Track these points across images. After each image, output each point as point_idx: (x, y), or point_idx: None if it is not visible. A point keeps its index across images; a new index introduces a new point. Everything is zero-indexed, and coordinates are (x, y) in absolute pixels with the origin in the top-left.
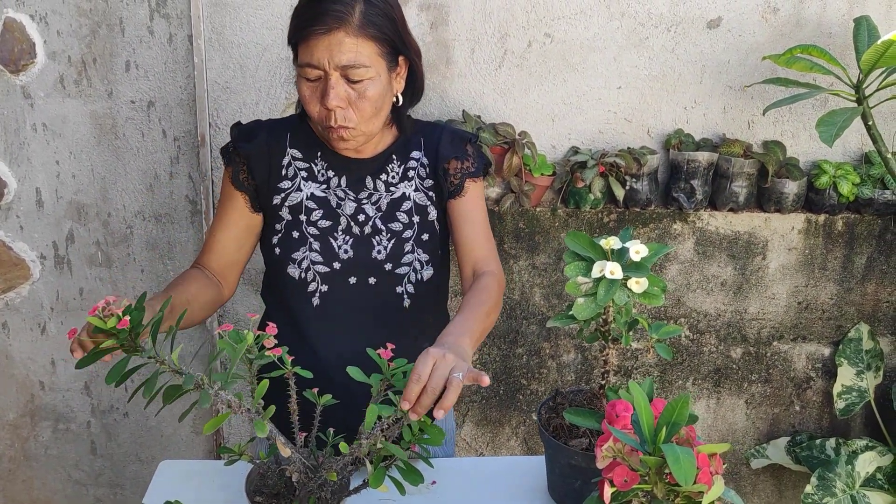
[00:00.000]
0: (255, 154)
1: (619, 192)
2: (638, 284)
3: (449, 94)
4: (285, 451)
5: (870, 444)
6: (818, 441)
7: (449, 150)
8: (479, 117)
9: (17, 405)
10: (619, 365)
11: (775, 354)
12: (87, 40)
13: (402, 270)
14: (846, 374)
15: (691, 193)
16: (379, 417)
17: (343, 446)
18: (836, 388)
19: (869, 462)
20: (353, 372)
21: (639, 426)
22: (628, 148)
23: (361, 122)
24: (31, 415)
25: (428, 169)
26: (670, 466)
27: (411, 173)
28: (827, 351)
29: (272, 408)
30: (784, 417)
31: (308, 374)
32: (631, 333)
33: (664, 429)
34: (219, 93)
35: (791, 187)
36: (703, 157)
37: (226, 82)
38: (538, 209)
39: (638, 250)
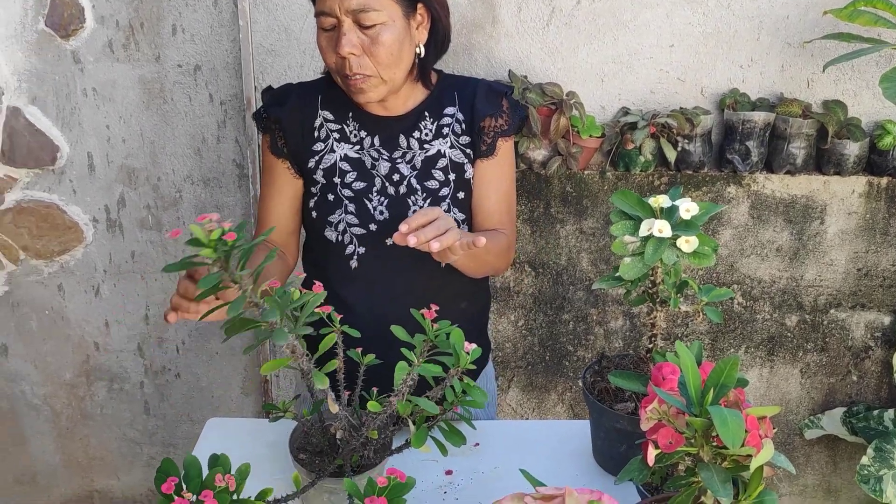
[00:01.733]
0: (288, 118)
1: (671, 154)
2: (688, 243)
3: (495, 55)
4: (334, 406)
5: None
6: (875, 412)
7: (485, 106)
8: (525, 77)
9: (73, 365)
10: (668, 331)
11: (832, 323)
12: (135, 4)
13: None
14: None
15: (746, 155)
16: (421, 378)
17: (373, 404)
18: None
19: None
20: (398, 331)
21: (685, 388)
22: (680, 108)
23: (380, 70)
24: (87, 374)
25: (464, 125)
26: (717, 428)
27: (446, 130)
28: (887, 319)
29: (333, 362)
30: (840, 388)
31: (356, 334)
32: (680, 296)
33: (711, 391)
34: (264, 56)
35: (852, 148)
36: (759, 117)
37: (271, 45)
38: (586, 172)
39: (688, 208)
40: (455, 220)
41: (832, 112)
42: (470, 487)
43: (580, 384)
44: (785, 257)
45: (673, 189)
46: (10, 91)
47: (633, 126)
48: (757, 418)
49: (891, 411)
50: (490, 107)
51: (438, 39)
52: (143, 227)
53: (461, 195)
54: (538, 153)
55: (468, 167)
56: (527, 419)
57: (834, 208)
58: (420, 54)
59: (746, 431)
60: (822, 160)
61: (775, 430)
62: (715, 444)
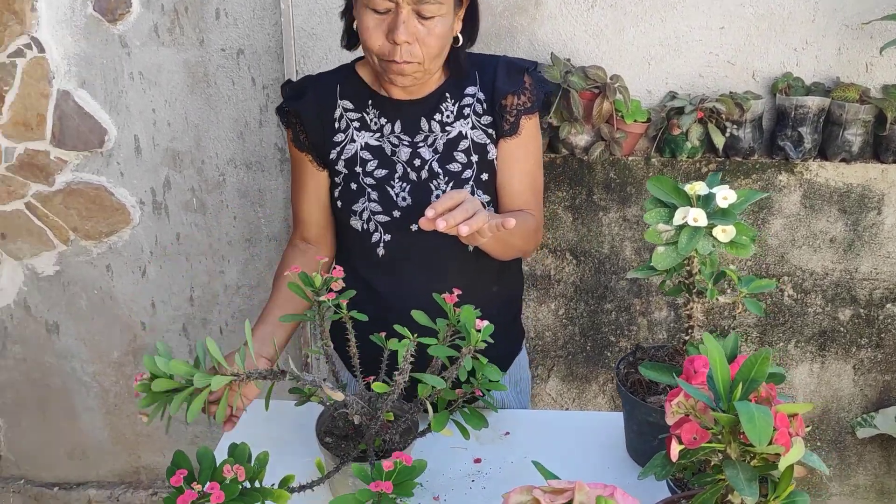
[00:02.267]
0: (307, 111)
1: (719, 140)
2: (724, 233)
3: (538, 37)
4: (337, 395)
5: None
6: None
7: (506, 83)
8: (568, 60)
9: (120, 344)
10: (714, 323)
11: (889, 318)
12: None
13: None
14: None
15: (799, 142)
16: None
17: (378, 385)
18: None
19: None
20: (418, 316)
21: (713, 381)
22: (730, 92)
23: (426, 60)
24: (134, 353)
25: (485, 105)
26: (743, 425)
27: (467, 111)
28: None
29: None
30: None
31: (363, 318)
32: (716, 287)
33: (740, 386)
34: (305, 40)
35: None
36: (813, 102)
37: (312, 29)
38: (630, 158)
39: (726, 196)
40: (480, 202)
41: (892, 97)
42: (498, 476)
43: (614, 375)
44: (839, 249)
45: (711, 176)
46: (61, 75)
47: (679, 111)
48: (788, 416)
49: None
50: (511, 84)
51: (474, 28)
52: (188, 210)
53: (485, 177)
54: (580, 138)
55: (491, 148)
56: (566, 409)
57: (892, 198)
58: (457, 43)
59: (775, 429)
60: (880, 147)
61: (826, 428)
62: (743, 441)
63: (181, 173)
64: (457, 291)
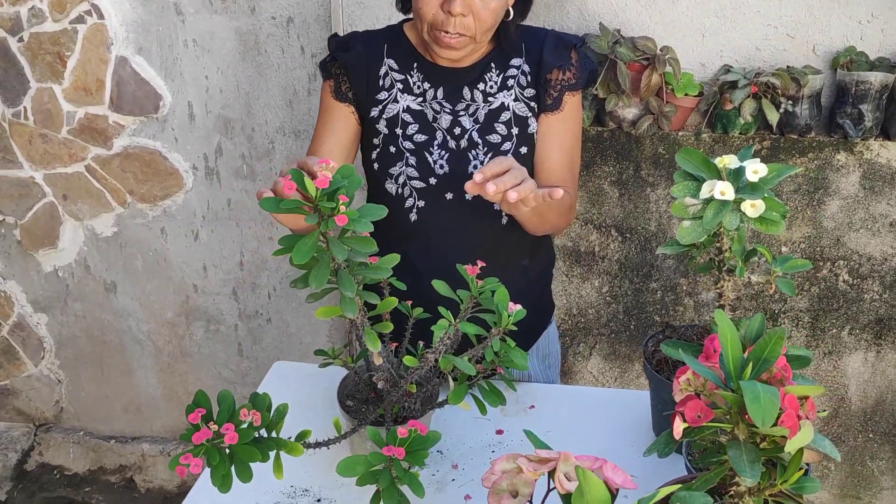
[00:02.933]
0: (353, 64)
1: (773, 117)
2: (753, 208)
3: (588, 7)
4: (378, 359)
5: None
6: None
7: (552, 57)
8: (618, 31)
9: (173, 305)
10: (764, 308)
11: None
12: None
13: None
14: None
15: (859, 119)
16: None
17: (409, 359)
18: None
19: None
20: (439, 286)
21: (724, 360)
22: (787, 67)
23: (478, 33)
24: (186, 315)
25: (529, 77)
26: (747, 404)
27: (510, 82)
28: None
29: (387, 323)
30: None
31: (402, 286)
32: (756, 266)
33: (751, 365)
34: (353, 8)
35: None
36: (876, 77)
37: None
38: (681, 133)
39: (756, 169)
40: None
41: None
42: (518, 448)
43: (641, 353)
44: None
45: (744, 149)
46: (119, 41)
47: (733, 85)
48: (798, 398)
49: None
50: (558, 58)
51: (528, 3)
52: (239, 177)
53: (524, 150)
54: (628, 111)
55: (532, 121)
56: (608, 388)
57: None
58: (508, 17)
59: (782, 410)
60: None
61: (879, 420)
62: (748, 421)
63: (232, 140)
64: (480, 263)
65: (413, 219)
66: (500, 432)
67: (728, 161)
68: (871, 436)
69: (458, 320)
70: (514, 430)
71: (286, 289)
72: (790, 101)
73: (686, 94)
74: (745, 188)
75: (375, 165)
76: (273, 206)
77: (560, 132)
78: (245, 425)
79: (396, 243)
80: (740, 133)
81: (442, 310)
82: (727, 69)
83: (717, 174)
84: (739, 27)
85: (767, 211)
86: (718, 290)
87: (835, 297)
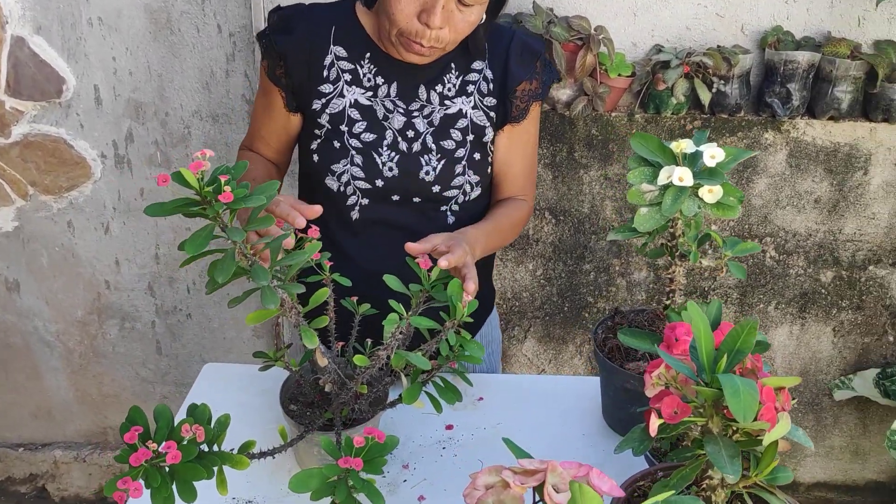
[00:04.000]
0: (294, 51)
1: (705, 96)
2: (711, 193)
3: None
4: (322, 360)
5: None
6: None
7: (520, 69)
8: (551, 10)
9: (84, 303)
10: (694, 285)
11: (870, 280)
12: None
13: (450, 193)
14: None
15: (787, 98)
16: (415, 330)
17: (360, 358)
18: None
19: None
20: (391, 281)
21: (696, 352)
22: (718, 46)
23: (451, 44)
24: (99, 313)
25: (492, 85)
26: (727, 399)
27: (470, 87)
28: None
29: (324, 318)
30: (875, 348)
31: (347, 283)
32: (700, 250)
33: (725, 357)
34: None
35: None
36: (803, 57)
37: None
38: (613, 114)
39: (713, 154)
40: (468, 182)
41: (884, 53)
42: (470, 444)
43: (591, 340)
44: (823, 209)
45: (698, 133)
46: (14, 20)
47: (665, 65)
48: (774, 389)
49: None
50: (525, 70)
51: (500, 6)
52: (152, 164)
53: (477, 156)
54: (562, 92)
55: (489, 131)
56: (543, 371)
57: (879, 158)
58: (481, 21)
59: (760, 404)
60: (870, 106)
61: (803, 390)
62: (726, 415)
63: (144, 126)
64: (430, 254)
65: (355, 217)
66: (449, 427)
67: (684, 146)
68: (795, 405)
69: (409, 314)
70: (463, 424)
71: (206, 282)
72: (721, 81)
73: (619, 75)
74: (703, 173)
75: (315, 157)
76: (158, 209)
77: (522, 141)
78: (186, 441)
79: (335, 238)
80: (672, 113)
81: (392, 303)
82: (659, 49)
83: (674, 159)
84: (670, 6)
85: (724, 196)
86: (669, 276)
87: (762, 273)
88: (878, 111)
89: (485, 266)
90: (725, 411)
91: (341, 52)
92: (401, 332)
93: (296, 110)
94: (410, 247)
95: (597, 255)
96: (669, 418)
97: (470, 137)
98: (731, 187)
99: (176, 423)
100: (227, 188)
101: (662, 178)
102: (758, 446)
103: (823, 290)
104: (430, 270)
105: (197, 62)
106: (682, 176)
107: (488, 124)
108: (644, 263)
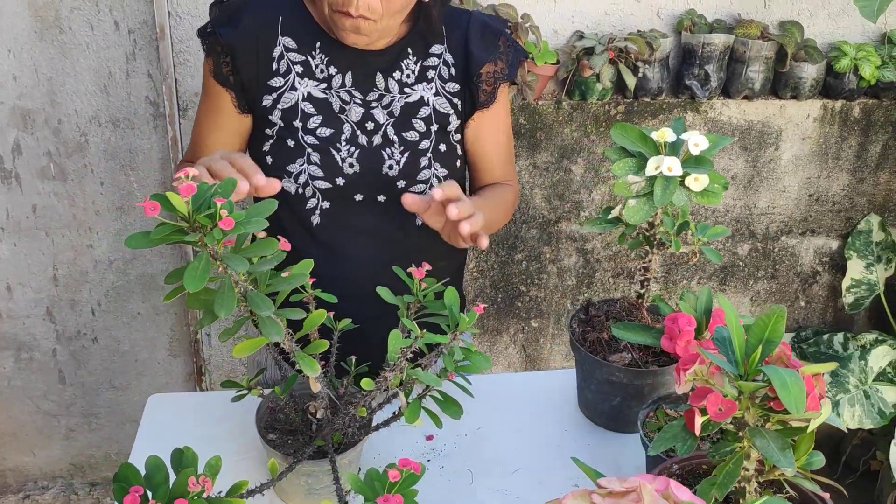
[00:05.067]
0: (241, 43)
1: (631, 81)
2: (697, 182)
3: None
4: (316, 386)
5: (879, 338)
6: (825, 336)
7: (482, 51)
8: None
9: None
10: (621, 267)
11: (783, 250)
12: None
13: (417, 188)
14: (855, 268)
15: (705, 80)
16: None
17: (367, 382)
18: (845, 282)
19: (882, 356)
20: (384, 293)
21: (727, 345)
22: (638, 31)
23: (385, 16)
24: None
25: (454, 70)
26: (778, 392)
27: (431, 73)
28: (835, 244)
29: (324, 342)
30: (788, 314)
31: (332, 299)
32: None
33: (759, 348)
34: None
35: (810, 71)
36: (719, 39)
37: None
38: (540, 103)
39: (697, 142)
40: (436, 176)
41: (790, 33)
42: (454, 453)
43: (568, 335)
44: (739, 185)
45: (675, 121)
46: None
47: (590, 51)
48: (812, 377)
49: (840, 335)
50: (487, 51)
51: None
52: (45, 178)
53: (443, 148)
54: None
55: (454, 119)
56: (527, 371)
57: (789, 133)
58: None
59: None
60: (780, 84)
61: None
62: (771, 407)
63: (34, 135)
64: (426, 266)
65: (316, 221)
66: (430, 438)
67: (666, 135)
68: None
69: (423, 332)
70: (443, 433)
71: (113, 302)
72: (644, 65)
73: (546, 63)
74: (689, 162)
75: (269, 160)
76: (141, 241)
77: (495, 125)
78: (193, 495)
79: (296, 246)
80: (598, 99)
81: (406, 321)
82: (580, 35)
83: (655, 149)
84: None
85: (710, 184)
86: (644, 265)
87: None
88: (787, 89)
89: (457, 276)
90: (771, 403)
91: (290, 42)
92: (412, 351)
93: (247, 110)
94: (408, 199)
95: (528, 244)
96: (716, 416)
97: (434, 127)
98: (717, 175)
99: (166, 475)
100: (224, 212)
101: (651, 169)
102: (797, 434)
103: (741, 263)
104: (422, 280)
105: (92, 63)
106: (670, 166)
107: (452, 112)
108: (574, 249)
